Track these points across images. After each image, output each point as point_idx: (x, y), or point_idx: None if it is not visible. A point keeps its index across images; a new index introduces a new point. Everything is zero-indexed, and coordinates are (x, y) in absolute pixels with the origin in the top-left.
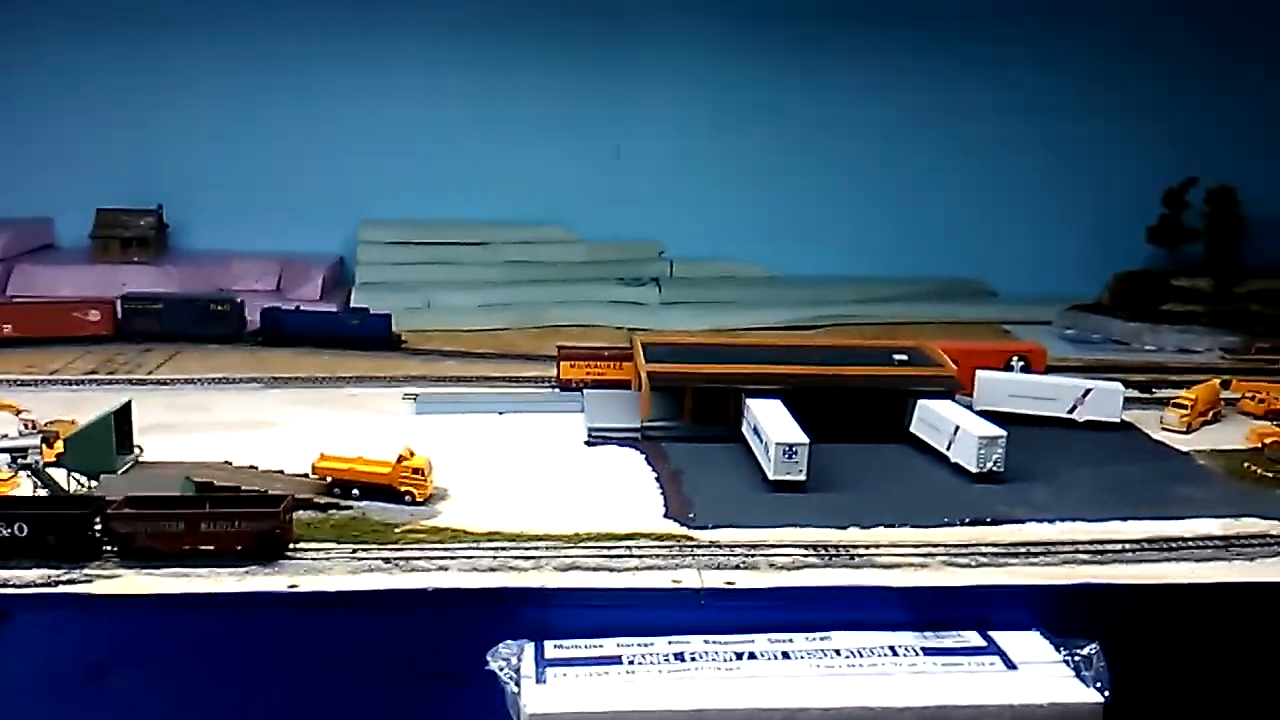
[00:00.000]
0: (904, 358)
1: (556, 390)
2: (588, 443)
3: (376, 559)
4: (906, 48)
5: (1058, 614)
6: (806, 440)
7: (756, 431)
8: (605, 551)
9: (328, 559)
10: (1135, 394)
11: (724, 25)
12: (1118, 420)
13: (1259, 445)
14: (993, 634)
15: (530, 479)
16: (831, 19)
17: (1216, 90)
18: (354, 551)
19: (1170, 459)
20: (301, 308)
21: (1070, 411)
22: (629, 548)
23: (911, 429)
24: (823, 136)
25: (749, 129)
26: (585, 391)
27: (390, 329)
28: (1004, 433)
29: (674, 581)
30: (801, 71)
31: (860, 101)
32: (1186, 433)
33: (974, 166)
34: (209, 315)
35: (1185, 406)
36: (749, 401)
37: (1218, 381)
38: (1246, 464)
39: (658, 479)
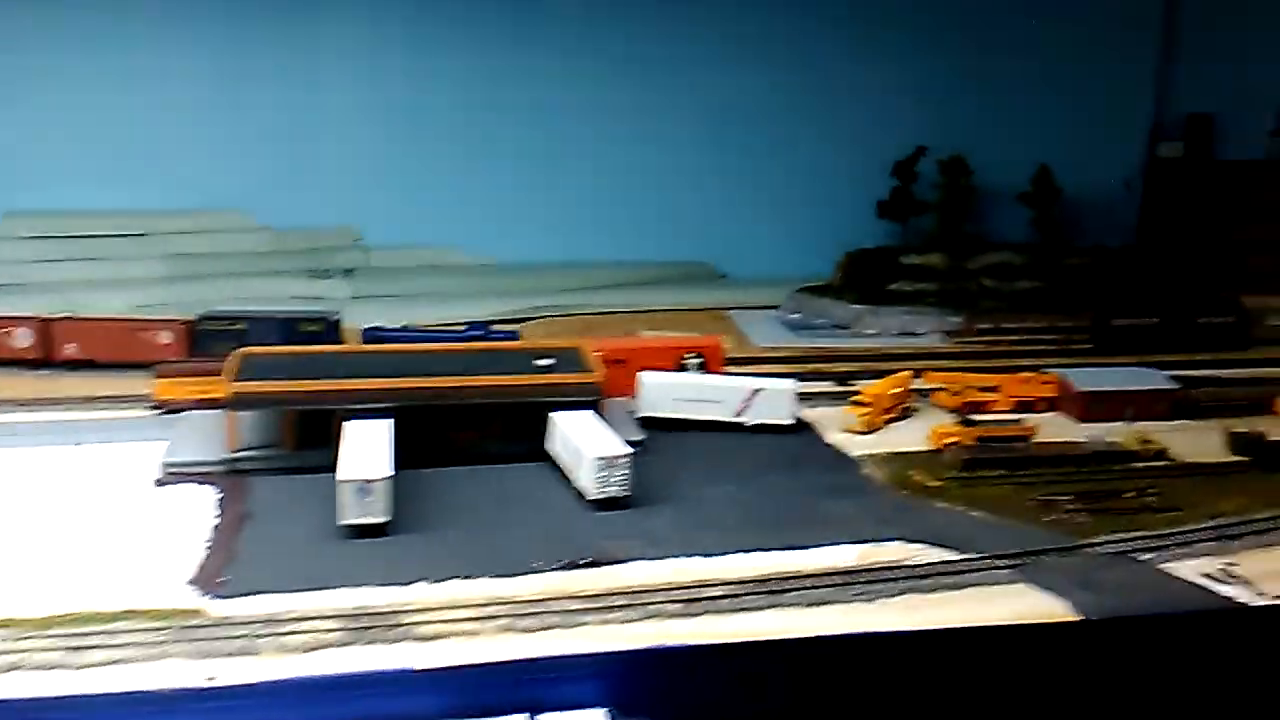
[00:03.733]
0: (550, 362)
1: (160, 413)
2: (159, 482)
3: None
4: (628, 30)
5: (623, 687)
6: (384, 475)
7: None
8: (72, 641)
9: None
10: (833, 388)
11: None
12: (789, 422)
13: (939, 448)
14: (545, 718)
15: (48, 538)
16: None
17: (945, 61)
18: None
19: (832, 468)
20: (409, 326)
21: (738, 415)
22: (107, 633)
23: (548, 447)
24: (543, 116)
25: (461, 106)
26: (179, 416)
27: None
28: (628, 451)
29: (152, 682)
30: (516, 48)
31: (582, 82)
32: (868, 433)
33: (701, 146)
34: (299, 336)
35: (866, 405)
36: (346, 425)
37: (909, 374)
38: (911, 473)
39: (216, 528)
